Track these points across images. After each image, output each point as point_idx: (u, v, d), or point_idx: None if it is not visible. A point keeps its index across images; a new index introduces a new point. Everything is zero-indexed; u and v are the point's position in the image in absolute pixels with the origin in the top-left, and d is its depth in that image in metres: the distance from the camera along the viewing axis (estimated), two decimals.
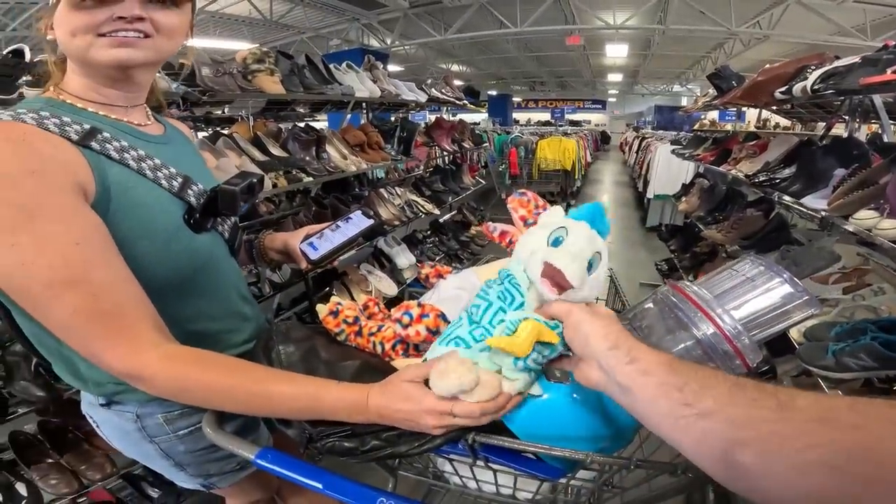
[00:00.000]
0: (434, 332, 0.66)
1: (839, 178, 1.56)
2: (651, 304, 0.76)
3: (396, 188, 3.46)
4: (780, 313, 0.67)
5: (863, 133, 2.42)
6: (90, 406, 0.80)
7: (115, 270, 0.60)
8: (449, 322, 0.68)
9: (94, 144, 0.63)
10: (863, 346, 1.07)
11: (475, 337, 0.59)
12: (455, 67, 14.28)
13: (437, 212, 3.63)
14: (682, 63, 13.07)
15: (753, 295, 0.69)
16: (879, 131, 2.15)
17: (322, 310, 0.73)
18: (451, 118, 4.36)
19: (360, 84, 2.53)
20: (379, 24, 8.63)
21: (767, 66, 2.00)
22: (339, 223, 0.93)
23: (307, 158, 2.31)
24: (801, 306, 0.66)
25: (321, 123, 3.88)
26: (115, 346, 0.59)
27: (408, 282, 3.18)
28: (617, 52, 10.30)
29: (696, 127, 7.60)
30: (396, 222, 3.06)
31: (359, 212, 0.97)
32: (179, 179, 0.73)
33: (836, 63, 1.56)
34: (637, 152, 9.00)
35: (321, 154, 2.43)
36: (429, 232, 4.01)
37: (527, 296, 0.61)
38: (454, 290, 0.75)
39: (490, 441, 0.59)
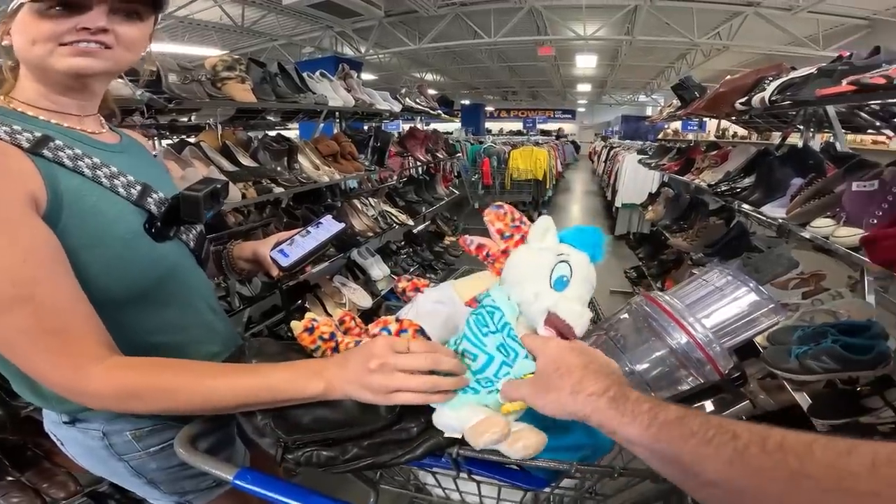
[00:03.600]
0: None
1: (796, 187, 1.64)
2: (626, 315, 0.77)
3: (370, 198, 3.44)
4: (749, 321, 0.69)
5: (817, 142, 2.55)
6: (53, 424, 0.78)
7: (63, 287, 0.59)
8: (428, 337, 0.67)
9: (45, 152, 0.62)
10: (824, 349, 1.12)
11: (481, 384, 0.60)
12: (429, 76, 14.38)
13: (410, 222, 3.62)
14: (648, 74, 13.55)
15: (723, 304, 0.71)
16: (832, 140, 2.28)
17: (297, 326, 0.71)
18: (424, 128, 4.37)
19: (333, 93, 2.51)
20: (353, 32, 8.61)
21: (728, 77, 2.09)
22: (309, 229, 0.91)
23: (278, 169, 2.27)
24: (768, 314, 0.69)
25: (292, 133, 3.84)
26: (58, 366, 0.58)
27: (382, 293, 3.15)
28: (586, 63, 10.60)
29: (659, 136, 7.88)
30: (370, 233, 3.03)
31: (329, 216, 0.95)
32: (138, 187, 0.71)
33: (792, 74, 1.64)
34: (605, 162, 9.24)
35: (293, 164, 2.40)
36: (402, 243, 3.99)
37: (520, 339, 0.61)
38: (432, 304, 0.75)
39: (474, 454, 0.58)
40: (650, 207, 4.16)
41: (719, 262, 2.32)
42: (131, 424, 0.74)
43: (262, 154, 2.25)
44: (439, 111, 3.80)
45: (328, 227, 0.93)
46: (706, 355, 0.66)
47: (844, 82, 1.18)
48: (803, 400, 1.10)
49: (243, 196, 1.91)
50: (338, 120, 3.25)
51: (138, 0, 0.66)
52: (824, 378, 1.10)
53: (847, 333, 1.15)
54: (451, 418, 0.57)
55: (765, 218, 1.93)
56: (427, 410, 0.60)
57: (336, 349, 0.71)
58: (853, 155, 1.54)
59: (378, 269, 3.26)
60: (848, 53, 1.40)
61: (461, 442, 0.59)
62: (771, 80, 1.72)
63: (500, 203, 0.83)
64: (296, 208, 2.70)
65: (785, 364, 1.17)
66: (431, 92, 4.26)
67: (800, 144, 2.51)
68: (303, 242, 0.89)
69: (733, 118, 2.78)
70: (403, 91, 3.46)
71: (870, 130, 2.54)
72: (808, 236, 1.39)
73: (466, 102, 18.25)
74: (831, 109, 2.11)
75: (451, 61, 12.23)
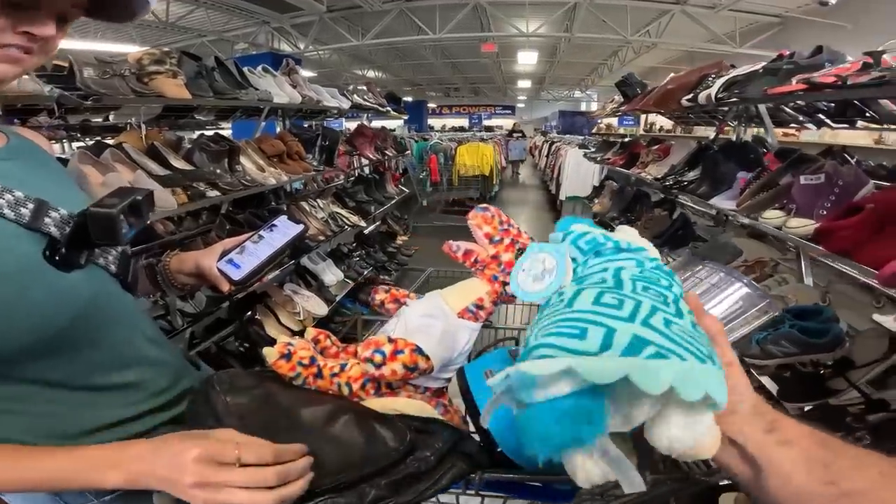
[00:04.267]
0: (411, 369, 0.58)
1: (742, 179, 1.72)
2: None
3: (318, 200, 3.29)
4: (746, 316, 0.69)
5: (748, 136, 2.73)
6: None
7: None
8: (427, 355, 0.61)
9: None
10: (783, 334, 1.17)
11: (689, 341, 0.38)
12: (370, 73, 14.13)
13: (362, 223, 3.51)
14: (583, 70, 14.12)
15: (719, 300, 0.70)
16: (763, 134, 2.44)
17: (271, 354, 0.63)
18: (367, 125, 4.25)
19: (278, 89, 2.35)
20: (292, 27, 8.25)
21: (672, 74, 2.17)
22: (262, 233, 0.80)
23: (218, 171, 2.09)
24: (763, 308, 0.69)
25: (225, 133, 3.57)
26: None
27: (337, 299, 3.03)
28: (527, 59, 10.84)
29: (594, 131, 8.24)
30: (322, 237, 2.89)
31: (283, 217, 0.84)
32: (30, 205, 0.57)
33: (735, 72, 1.72)
34: (547, 156, 9.50)
35: (235, 166, 2.22)
36: (354, 245, 3.86)
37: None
38: (422, 318, 0.68)
39: (499, 477, 0.53)
40: (596, 200, 4.30)
41: (669, 251, 2.42)
42: None
43: (199, 156, 2.06)
44: (388, 108, 3.70)
45: (284, 229, 0.82)
46: None
47: (794, 81, 1.24)
48: (770, 385, 1.15)
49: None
50: (280, 118, 3.07)
51: (79, 4, 0.57)
52: (785, 362, 1.16)
53: (801, 318, 1.22)
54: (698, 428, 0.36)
55: (702, 209, 2.02)
56: (442, 434, 0.54)
57: (319, 374, 0.63)
58: (794, 149, 1.64)
59: (331, 274, 3.13)
60: (789, 52, 1.49)
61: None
62: (714, 78, 1.79)
63: (485, 206, 0.79)
64: (237, 213, 2.52)
65: (748, 350, 1.22)
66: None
67: (733, 138, 2.69)
68: (255, 250, 0.78)
69: (678, 114, 2.91)
70: (351, 87, 3.33)
71: (792, 125, 2.76)
72: (762, 227, 1.45)
73: (409, 99, 18.14)
74: (762, 106, 2.25)
75: (395, 58, 12.08)
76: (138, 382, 0.69)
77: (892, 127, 1.82)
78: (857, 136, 5.13)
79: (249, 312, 2.38)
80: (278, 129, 2.93)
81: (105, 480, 0.52)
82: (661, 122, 9.33)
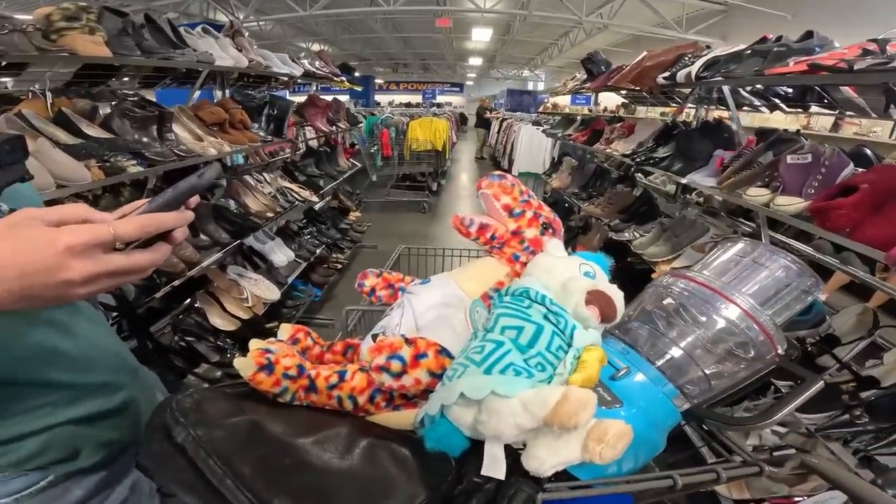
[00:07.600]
0: (439, 375, 0.46)
1: (720, 158, 1.71)
2: (652, 303, 0.66)
3: (265, 174, 3.02)
4: (794, 296, 0.62)
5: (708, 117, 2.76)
6: None
7: None
8: (452, 357, 0.49)
9: None
10: None
11: (531, 366, 0.49)
12: (315, 47, 13.37)
13: (314, 198, 3.28)
14: (533, 49, 14.11)
15: (763, 278, 0.63)
16: (727, 116, 2.47)
17: (246, 366, 0.48)
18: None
19: (221, 51, 2.06)
20: None
21: (646, 52, 2.13)
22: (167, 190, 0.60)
23: (145, 140, 1.80)
24: (813, 286, 0.63)
25: None
26: None
27: (289, 281, 2.81)
28: (481, 36, 10.62)
29: (540, 109, 8.24)
30: (269, 213, 2.66)
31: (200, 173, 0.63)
32: None
33: (714, 53, 1.70)
34: (499, 133, 9.45)
35: (165, 134, 1.93)
36: (304, 221, 3.63)
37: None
38: (437, 308, 0.56)
39: (560, 495, 0.44)
40: (554, 176, 4.29)
41: (636, 227, 2.41)
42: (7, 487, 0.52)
43: (120, 123, 1.76)
44: (342, 78, 3.44)
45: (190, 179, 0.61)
46: (765, 333, 0.58)
47: (791, 62, 1.21)
48: None
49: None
50: (218, 86, 2.74)
51: None
52: None
53: None
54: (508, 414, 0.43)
55: (655, 185, 2.01)
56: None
57: (312, 387, 0.49)
58: (774, 129, 1.65)
59: (281, 254, 2.90)
60: (773, 37, 1.47)
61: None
62: (692, 58, 1.76)
63: (500, 173, 0.67)
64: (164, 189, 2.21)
65: None
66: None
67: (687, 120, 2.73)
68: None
69: (634, 94, 2.90)
70: (302, 55, 3.04)
71: (746, 107, 2.84)
72: (742, 204, 1.43)
73: (357, 74, 17.46)
74: (726, 89, 2.27)
75: (342, 30, 11.47)
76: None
77: (851, 113, 1.87)
78: (786, 122, 5.47)
79: (188, 301, 2.13)
80: (217, 98, 2.62)
81: None
82: (606, 103, 9.59)
